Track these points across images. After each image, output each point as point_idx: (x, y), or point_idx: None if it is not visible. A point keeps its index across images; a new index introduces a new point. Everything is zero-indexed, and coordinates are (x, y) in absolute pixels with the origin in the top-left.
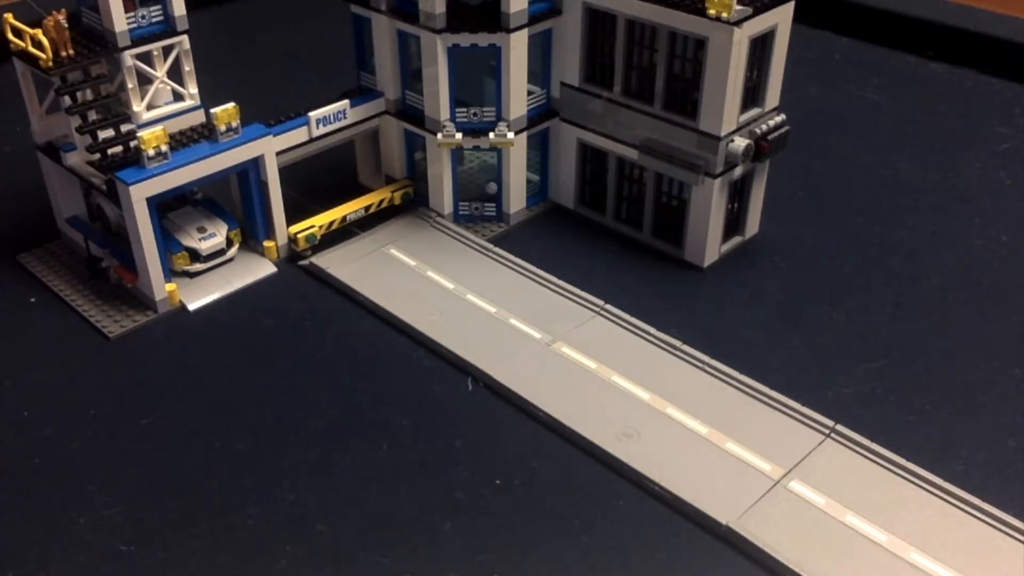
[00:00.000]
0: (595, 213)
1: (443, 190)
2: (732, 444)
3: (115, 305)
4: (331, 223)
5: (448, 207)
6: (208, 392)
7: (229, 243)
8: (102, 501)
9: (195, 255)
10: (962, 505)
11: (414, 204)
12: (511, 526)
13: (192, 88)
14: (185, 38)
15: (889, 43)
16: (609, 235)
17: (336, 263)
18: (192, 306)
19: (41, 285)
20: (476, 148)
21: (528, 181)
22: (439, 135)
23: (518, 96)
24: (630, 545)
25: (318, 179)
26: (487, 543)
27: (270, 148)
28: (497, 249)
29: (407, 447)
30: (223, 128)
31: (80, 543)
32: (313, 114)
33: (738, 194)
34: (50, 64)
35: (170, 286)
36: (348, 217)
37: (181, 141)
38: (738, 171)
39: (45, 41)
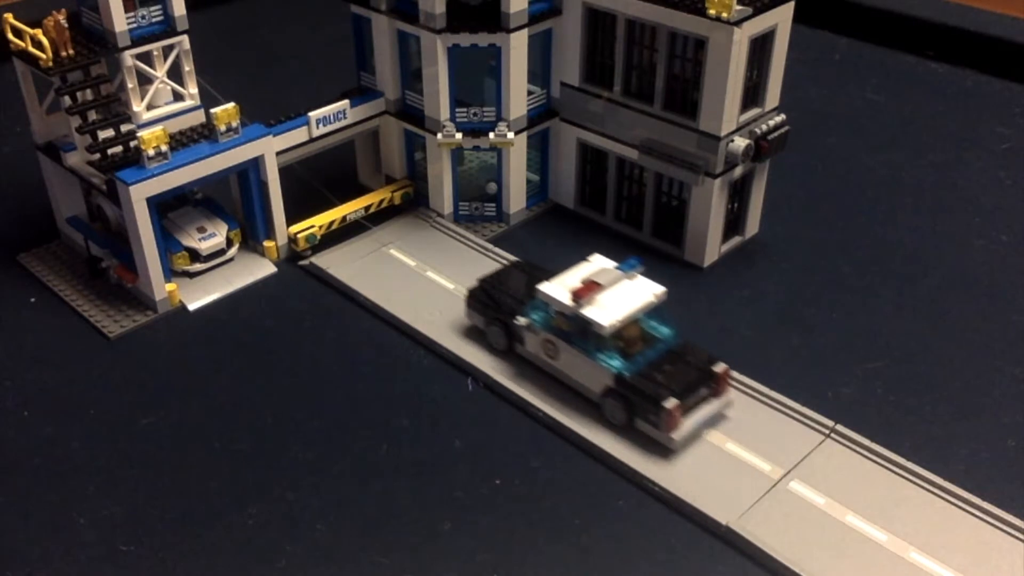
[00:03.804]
0: (595, 213)
1: (443, 190)
2: (732, 444)
3: (115, 305)
4: (331, 223)
5: (448, 207)
6: (208, 392)
7: (229, 243)
8: (102, 501)
9: (195, 255)
10: (962, 504)
11: (414, 204)
12: (511, 526)
13: (192, 88)
14: (185, 38)
15: (889, 43)
16: (609, 235)
17: (336, 263)
18: (192, 306)
19: (41, 285)
20: (476, 148)
21: (528, 181)
22: (439, 135)
23: (518, 96)
24: (630, 545)
25: (318, 179)
26: (487, 543)
27: (270, 148)
28: (497, 249)
29: (407, 447)
30: (223, 128)
31: (80, 543)
32: (313, 114)
33: (738, 194)
34: (50, 64)
35: (170, 286)
36: (348, 217)
37: (181, 141)
38: (738, 171)
39: (45, 41)
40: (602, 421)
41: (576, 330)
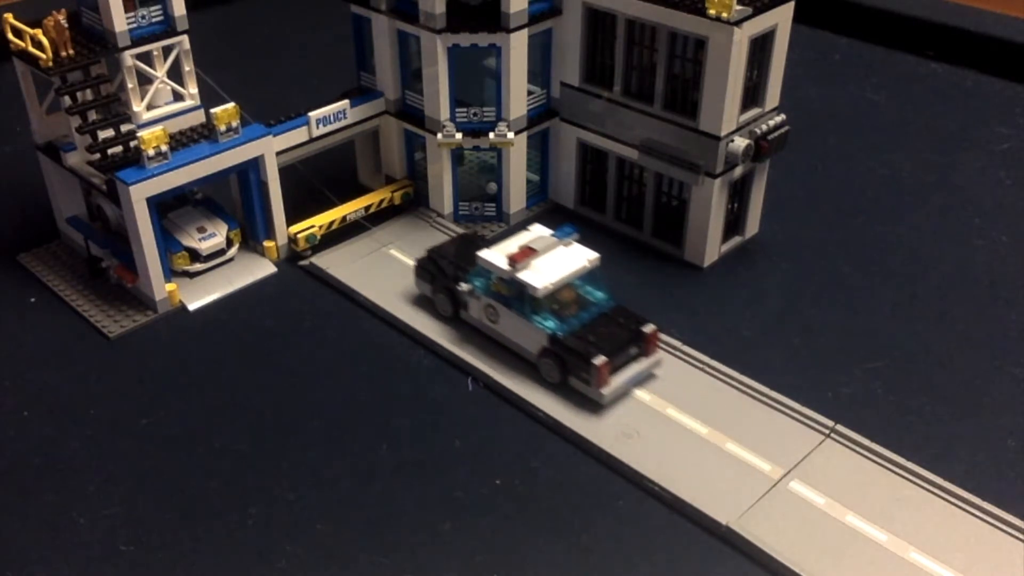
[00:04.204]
0: (595, 213)
1: (443, 190)
2: (732, 444)
3: (115, 305)
4: (331, 223)
5: (448, 207)
6: (208, 392)
7: (229, 243)
8: (102, 501)
9: (195, 255)
10: (962, 504)
11: (414, 204)
12: (511, 526)
13: (192, 88)
14: (185, 38)
15: (889, 43)
16: (609, 235)
17: (336, 263)
18: (192, 306)
19: (41, 285)
20: (476, 148)
21: (528, 181)
22: (439, 135)
23: (518, 96)
24: (630, 545)
25: (318, 179)
26: (487, 543)
27: (270, 148)
28: None
29: (407, 447)
30: (223, 128)
31: (80, 543)
32: (313, 114)
33: (738, 194)
34: (50, 64)
35: (170, 286)
36: (348, 217)
37: (181, 141)
38: (738, 171)
39: (45, 41)
40: (601, 421)
41: (514, 294)
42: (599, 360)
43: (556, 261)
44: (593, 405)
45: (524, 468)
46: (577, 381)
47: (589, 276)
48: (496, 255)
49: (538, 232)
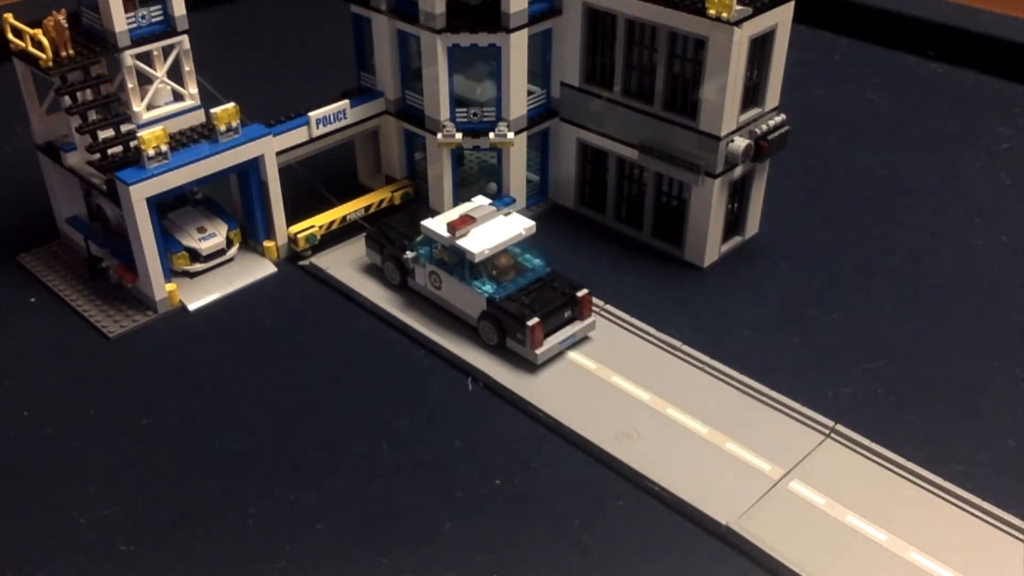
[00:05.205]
0: (595, 213)
1: (443, 190)
2: (732, 444)
3: (115, 305)
4: (331, 223)
5: (448, 207)
6: (208, 392)
7: (229, 243)
8: (102, 501)
9: (195, 255)
10: (962, 505)
11: (414, 204)
12: (511, 526)
13: (192, 88)
14: (185, 38)
15: (889, 43)
16: (609, 235)
17: (336, 263)
18: (192, 306)
19: (41, 285)
20: (476, 148)
21: (528, 181)
22: (439, 135)
23: (518, 96)
24: (630, 545)
25: (318, 179)
26: (487, 543)
27: (270, 148)
28: None
29: (407, 447)
30: (223, 128)
31: (80, 543)
32: (313, 114)
33: (738, 194)
34: (50, 64)
35: (170, 286)
36: (348, 217)
37: (181, 141)
38: (738, 171)
39: (45, 41)
40: (601, 421)
41: (455, 261)
42: (532, 321)
43: (494, 229)
44: (594, 404)
45: (524, 468)
46: (514, 342)
47: (528, 244)
48: (438, 223)
49: (479, 203)
